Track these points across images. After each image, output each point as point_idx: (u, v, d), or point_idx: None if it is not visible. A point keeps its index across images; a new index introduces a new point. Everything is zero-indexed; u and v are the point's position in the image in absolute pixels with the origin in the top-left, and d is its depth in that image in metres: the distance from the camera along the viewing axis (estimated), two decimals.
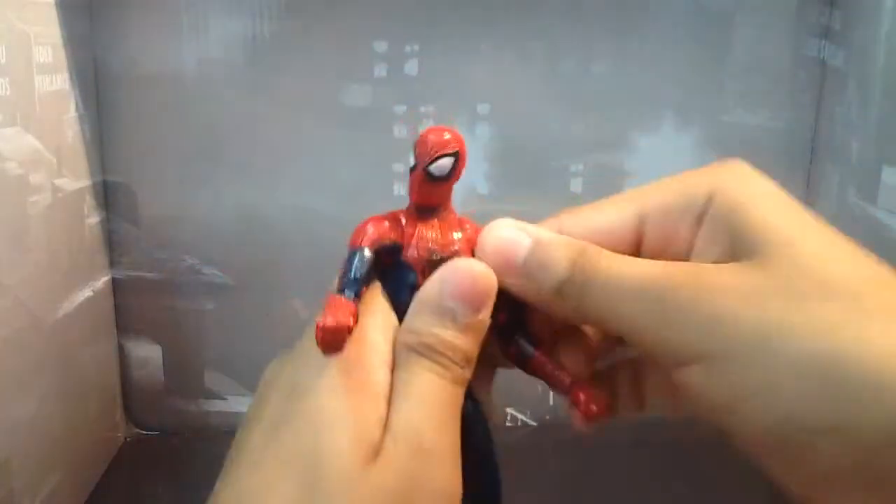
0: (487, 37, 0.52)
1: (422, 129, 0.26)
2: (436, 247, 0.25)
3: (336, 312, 0.22)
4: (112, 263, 0.53)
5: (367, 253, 0.24)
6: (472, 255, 0.25)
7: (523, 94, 0.53)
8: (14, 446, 0.39)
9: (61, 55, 0.45)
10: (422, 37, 0.52)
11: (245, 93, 0.52)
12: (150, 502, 0.49)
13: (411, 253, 0.25)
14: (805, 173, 0.56)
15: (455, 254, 0.25)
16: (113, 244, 0.53)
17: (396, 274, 0.25)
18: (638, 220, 0.24)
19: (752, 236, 0.21)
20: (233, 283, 0.54)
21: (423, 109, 0.53)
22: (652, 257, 0.24)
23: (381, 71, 0.52)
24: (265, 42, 0.51)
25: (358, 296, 0.23)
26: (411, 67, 0.52)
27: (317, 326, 0.22)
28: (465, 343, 0.23)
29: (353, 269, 0.24)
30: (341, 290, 0.23)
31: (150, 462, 0.53)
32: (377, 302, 0.24)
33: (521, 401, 0.58)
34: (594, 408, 0.25)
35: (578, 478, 0.51)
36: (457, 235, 0.25)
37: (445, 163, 0.25)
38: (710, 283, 0.21)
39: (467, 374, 0.23)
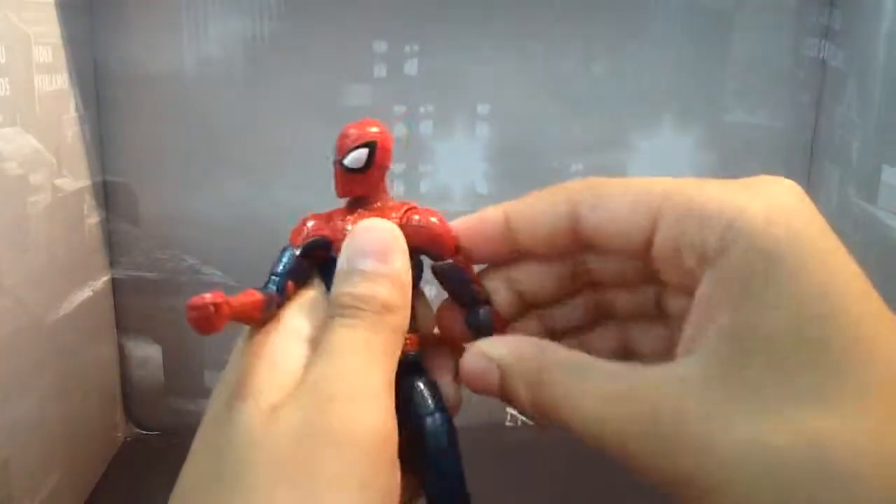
0: (487, 37, 0.52)
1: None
2: None
3: (217, 295, 0.22)
4: (112, 263, 0.53)
5: (295, 251, 0.25)
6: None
7: (523, 95, 0.53)
8: (14, 446, 0.39)
9: (61, 55, 0.45)
10: (422, 37, 0.52)
11: (245, 93, 0.52)
12: (150, 502, 0.49)
13: (340, 246, 0.25)
14: (805, 173, 0.56)
15: None
16: (113, 244, 0.53)
17: (330, 268, 0.25)
18: (652, 222, 0.23)
19: (745, 346, 0.20)
20: (233, 283, 0.54)
21: (422, 109, 0.53)
22: (661, 265, 0.23)
23: (381, 71, 0.52)
24: (265, 42, 0.51)
25: (280, 290, 0.24)
26: (411, 67, 0.52)
27: (186, 306, 0.22)
28: (378, 291, 0.23)
29: (278, 266, 0.25)
30: (264, 285, 0.24)
31: (150, 462, 0.53)
32: (304, 294, 0.25)
33: None
34: None
35: (578, 478, 0.51)
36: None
37: (359, 154, 0.26)
38: (673, 420, 0.20)
39: (391, 319, 0.23)
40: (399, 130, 0.53)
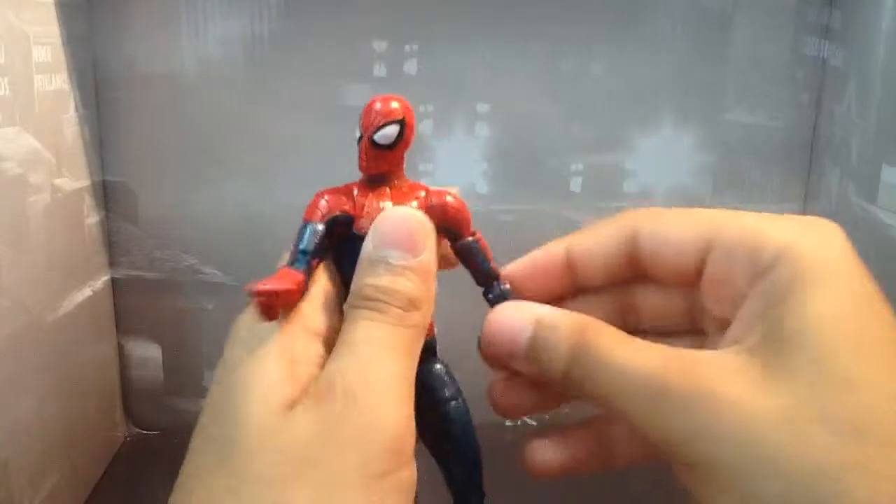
0: (487, 37, 0.52)
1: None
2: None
3: (275, 280, 0.22)
4: (112, 263, 0.53)
5: (319, 227, 0.24)
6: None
7: (523, 94, 0.53)
8: (14, 446, 0.39)
9: (60, 55, 0.45)
10: (421, 37, 0.52)
11: (245, 92, 0.52)
12: (150, 502, 0.49)
13: (363, 224, 0.25)
14: (805, 173, 0.56)
15: None
16: (113, 244, 0.53)
17: (349, 245, 0.25)
18: (706, 245, 0.24)
19: (788, 337, 0.20)
20: (233, 283, 0.54)
21: (422, 109, 0.53)
22: (709, 289, 0.24)
23: (380, 71, 0.52)
24: (265, 42, 0.51)
25: (308, 267, 0.24)
26: (411, 67, 0.52)
27: (252, 292, 0.22)
28: (404, 285, 0.23)
29: (303, 242, 0.24)
30: (291, 263, 0.24)
31: (150, 462, 0.53)
32: (317, 278, 0.24)
33: None
34: None
35: (578, 478, 0.51)
36: (410, 204, 0.25)
37: (390, 131, 0.25)
38: (707, 387, 0.20)
39: (415, 316, 0.23)
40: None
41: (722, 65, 0.54)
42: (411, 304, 0.23)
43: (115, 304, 0.54)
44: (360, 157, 0.25)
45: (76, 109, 0.47)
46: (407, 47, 0.52)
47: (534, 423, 0.58)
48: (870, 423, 0.19)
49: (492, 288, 0.27)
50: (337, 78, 0.52)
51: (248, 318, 0.23)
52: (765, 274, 0.22)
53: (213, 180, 0.53)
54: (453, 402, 0.26)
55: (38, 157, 0.42)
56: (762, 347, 0.21)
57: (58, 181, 0.45)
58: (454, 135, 0.53)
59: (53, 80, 0.44)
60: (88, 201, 0.49)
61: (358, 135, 0.25)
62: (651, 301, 0.27)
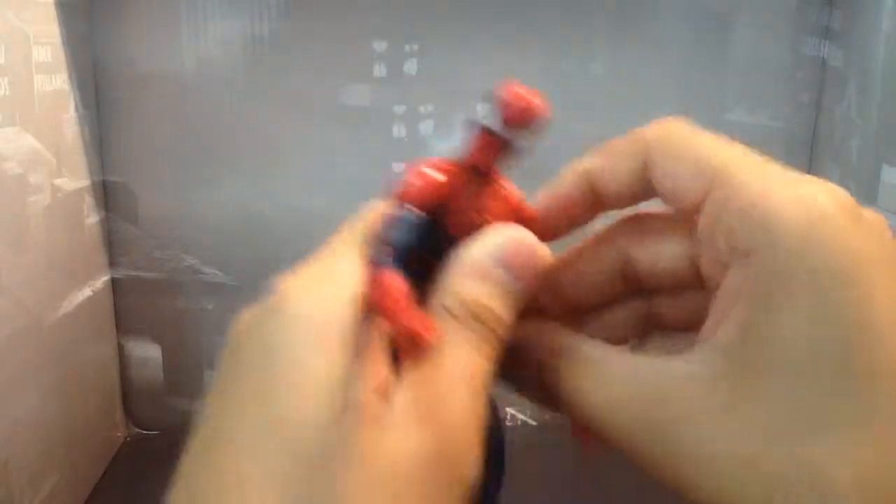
0: (487, 36, 0.52)
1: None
2: (479, 218, 0.23)
3: (410, 313, 0.20)
4: (112, 263, 0.53)
5: (420, 216, 0.22)
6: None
7: None
8: (14, 446, 0.39)
9: (60, 55, 0.45)
10: (421, 37, 0.52)
11: (245, 93, 0.52)
12: (150, 502, 0.49)
13: (453, 219, 0.22)
14: (805, 173, 0.55)
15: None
16: (113, 244, 0.53)
17: (428, 231, 0.22)
18: (703, 195, 0.22)
19: (760, 361, 0.19)
20: (233, 283, 0.54)
21: (422, 109, 0.53)
22: (701, 241, 0.22)
23: (380, 71, 0.52)
24: (265, 42, 0.51)
25: (406, 265, 0.21)
26: (411, 67, 0.52)
27: (410, 334, 0.20)
28: (508, 315, 0.22)
29: (404, 236, 0.21)
30: (392, 259, 0.21)
31: (150, 462, 0.53)
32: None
33: (522, 400, 0.58)
34: None
35: (578, 478, 0.51)
36: (504, 207, 0.23)
37: (535, 133, 0.22)
38: (676, 419, 0.20)
39: (500, 351, 0.22)
40: (398, 131, 0.53)
41: (722, 65, 0.54)
42: (500, 326, 0.21)
43: (115, 304, 0.54)
44: (477, 144, 0.23)
45: (76, 109, 0.47)
46: (407, 47, 0.52)
47: (534, 423, 0.58)
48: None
49: None
50: (337, 78, 0.52)
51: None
52: (744, 259, 0.20)
53: (213, 180, 0.53)
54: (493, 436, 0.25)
55: (38, 157, 0.42)
56: (734, 363, 0.19)
57: (58, 181, 0.45)
58: (454, 135, 0.53)
59: (53, 80, 0.44)
60: (88, 201, 0.49)
61: (483, 120, 0.23)
62: (653, 266, 0.25)
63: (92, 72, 0.50)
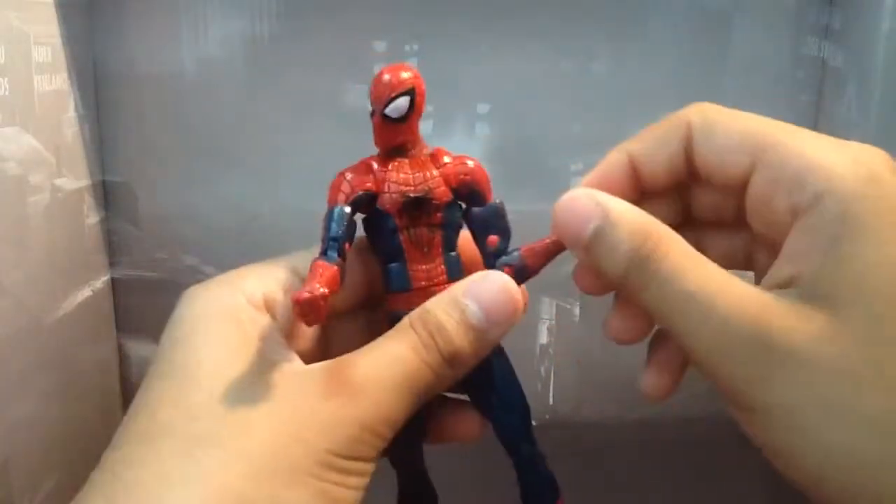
0: (487, 36, 0.52)
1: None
2: (408, 187, 0.25)
3: (311, 282, 0.22)
4: (112, 263, 0.53)
5: (345, 210, 0.24)
6: (449, 188, 0.25)
7: (523, 94, 0.53)
8: (13, 446, 0.39)
9: (60, 55, 0.45)
10: (422, 37, 0.52)
11: (245, 93, 0.52)
12: None
13: (385, 198, 0.25)
14: None
15: (429, 191, 0.25)
16: (113, 244, 0.53)
17: (377, 221, 0.25)
18: (751, 165, 0.25)
19: (845, 290, 0.20)
20: None
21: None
22: (752, 207, 0.24)
23: None
24: (265, 42, 0.51)
25: (340, 254, 0.23)
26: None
27: (293, 301, 0.22)
28: (461, 341, 0.23)
29: (332, 230, 0.24)
30: (323, 253, 0.24)
31: None
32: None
33: None
34: None
35: (578, 478, 0.51)
36: (430, 173, 0.26)
37: (402, 103, 0.25)
38: (770, 336, 0.20)
39: (448, 371, 0.23)
40: None
41: (722, 65, 0.54)
42: (452, 362, 0.23)
43: (115, 304, 0.54)
44: (374, 133, 0.25)
45: (76, 109, 0.47)
46: (407, 47, 0.52)
47: (534, 423, 0.58)
48: None
49: (508, 256, 0.27)
50: (337, 78, 0.52)
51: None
52: (809, 210, 0.21)
53: (213, 180, 0.53)
54: (495, 357, 0.26)
55: (38, 157, 0.42)
56: (820, 298, 0.20)
57: (58, 181, 0.45)
58: (454, 135, 0.53)
59: (53, 80, 0.44)
60: (88, 201, 0.49)
61: (370, 109, 0.25)
62: (707, 201, 0.26)
63: (92, 72, 0.50)
